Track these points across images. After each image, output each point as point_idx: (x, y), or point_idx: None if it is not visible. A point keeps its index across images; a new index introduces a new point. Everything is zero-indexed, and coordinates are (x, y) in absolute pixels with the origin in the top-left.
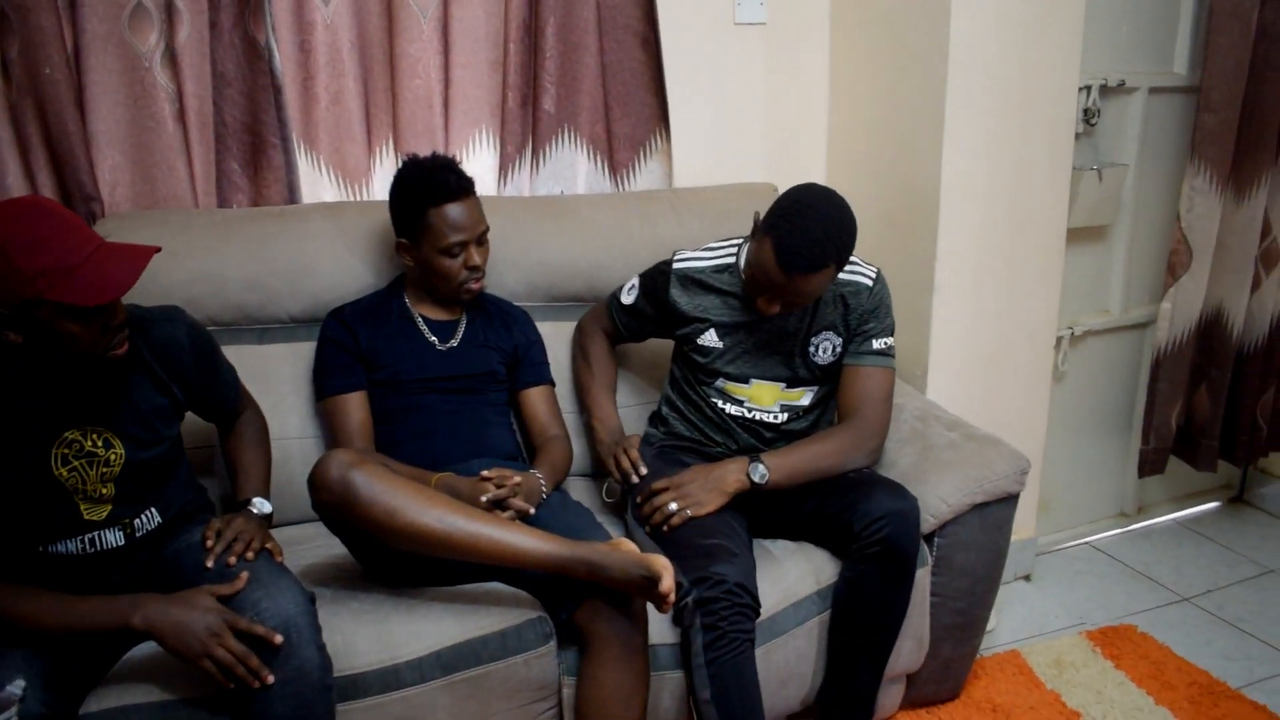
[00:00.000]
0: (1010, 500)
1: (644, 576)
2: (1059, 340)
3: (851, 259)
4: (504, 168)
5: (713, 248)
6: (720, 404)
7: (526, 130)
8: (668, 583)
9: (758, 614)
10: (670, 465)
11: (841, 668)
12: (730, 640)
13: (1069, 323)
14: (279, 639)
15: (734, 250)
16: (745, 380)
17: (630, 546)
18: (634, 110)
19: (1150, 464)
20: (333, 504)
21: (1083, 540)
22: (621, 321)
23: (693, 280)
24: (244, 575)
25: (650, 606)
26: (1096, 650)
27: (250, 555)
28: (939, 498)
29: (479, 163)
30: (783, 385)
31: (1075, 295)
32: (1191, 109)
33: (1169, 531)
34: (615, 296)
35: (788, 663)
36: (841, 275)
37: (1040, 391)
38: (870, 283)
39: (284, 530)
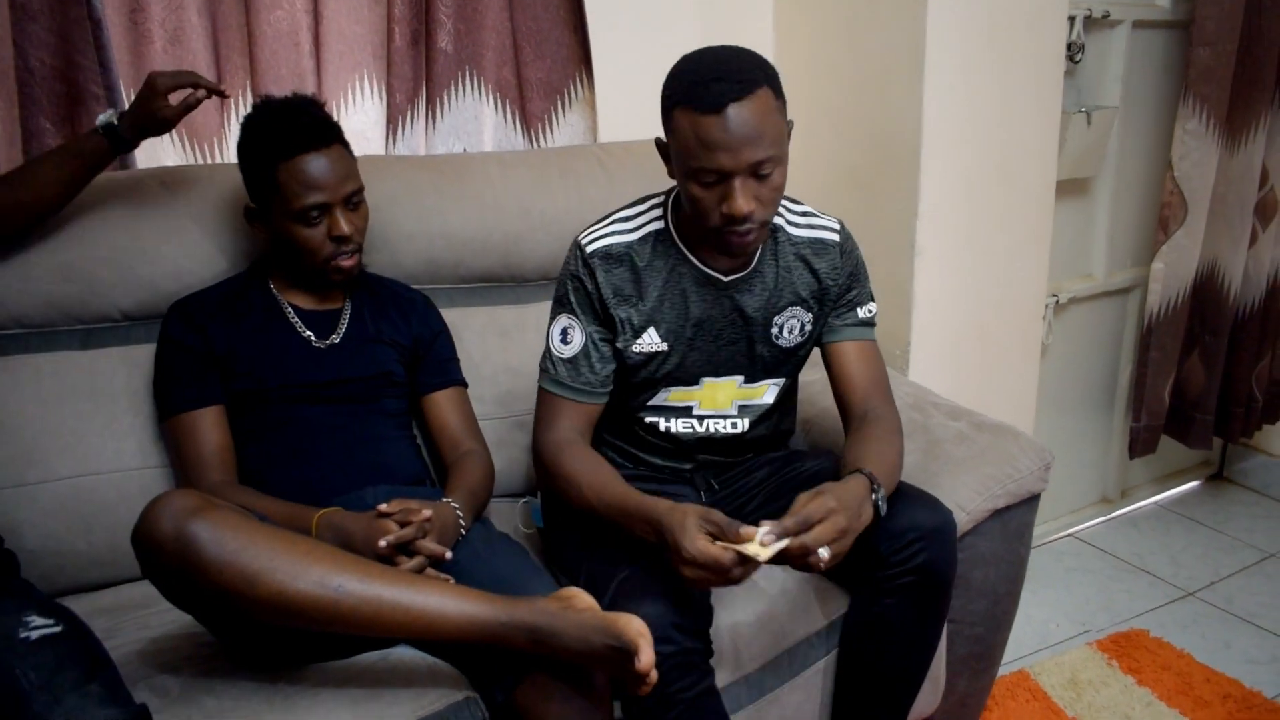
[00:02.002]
0: (1032, 501)
1: (610, 646)
2: (1044, 309)
3: (801, 206)
4: (393, 121)
5: (626, 216)
6: (661, 423)
7: (419, 75)
8: (647, 657)
9: (709, 653)
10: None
11: None
12: (675, 704)
13: (1052, 289)
14: None
15: (658, 211)
16: (695, 381)
17: (588, 601)
18: (549, 51)
19: (1142, 443)
20: (169, 569)
21: (1066, 532)
22: (586, 385)
23: (617, 259)
24: None
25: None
26: (1113, 664)
27: None
28: (955, 505)
29: (362, 115)
30: (740, 380)
31: (1056, 259)
32: (1175, 46)
33: (1154, 516)
34: (549, 368)
35: None
36: (797, 231)
37: (1029, 367)
38: (837, 237)
39: (118, 591)
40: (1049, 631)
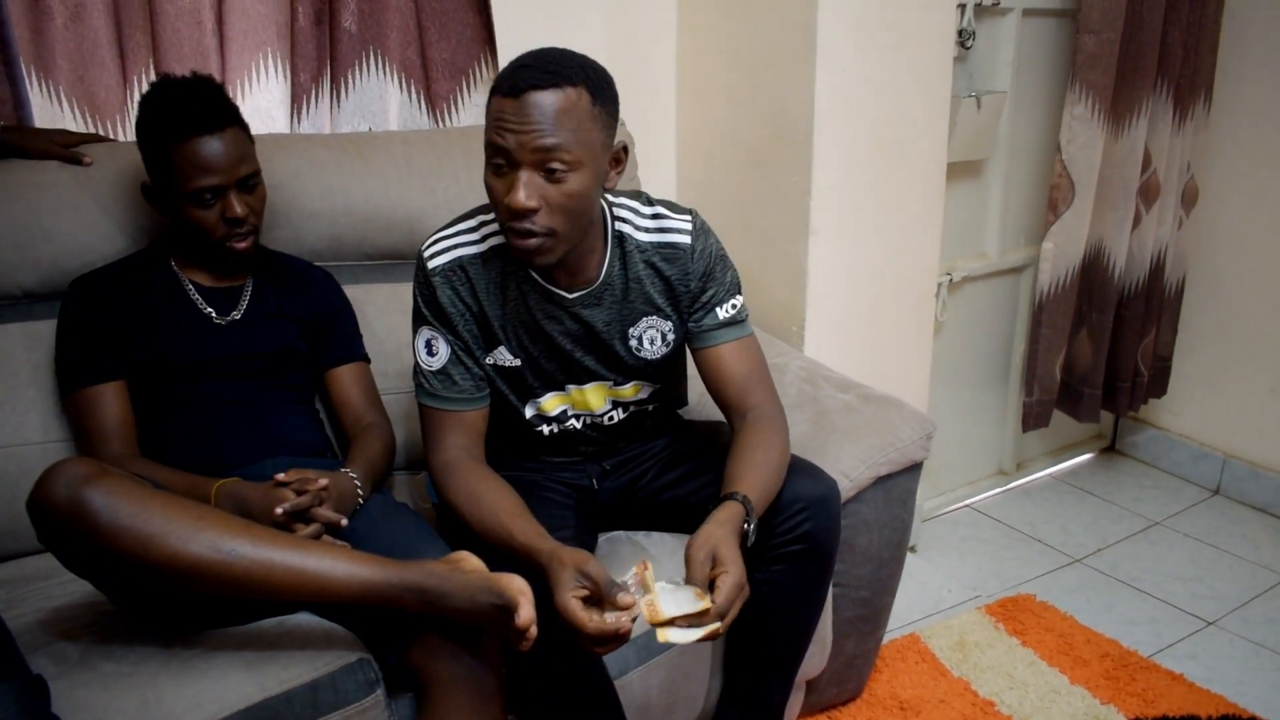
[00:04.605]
0: (915, 469)
1: (495, 605)
2: (938, 287)
3: (651, 208)
4: (297, 100)
5: (471, 227)
6: (542, 428)
7: (323, 54)
8: (526, 613)
9: None
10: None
11: (744, 686)
12: (557, 678)
13: (946, 268)
14: None
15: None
16: (561, 388)
17: (475, 564)
18: (453, 31)
19: (1035, 417)
20: (63, 535)
21: (963, 503)
22: (462, 394)
23: (458, 276)
24: None
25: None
26: (1000, 627)
27: None
28: (840, 472)
29: (266, 94)
30: (609, 384)
31: (950, 238)
32: (1064, 34)
33: (1048, 488)
34: (422, 382)
35: (673, 684)
36: (645, 237)
37: (923, 344)
38: (688, 238)
39: (21, 563)
40: (941, 597)
